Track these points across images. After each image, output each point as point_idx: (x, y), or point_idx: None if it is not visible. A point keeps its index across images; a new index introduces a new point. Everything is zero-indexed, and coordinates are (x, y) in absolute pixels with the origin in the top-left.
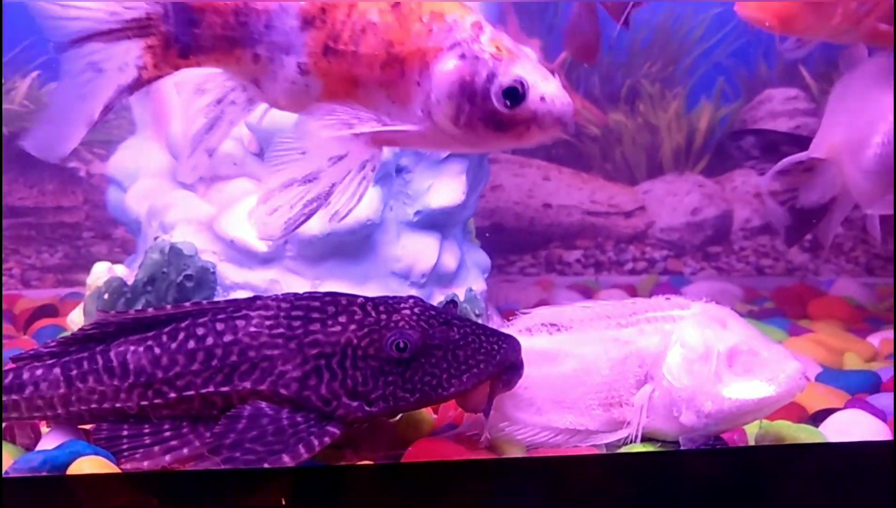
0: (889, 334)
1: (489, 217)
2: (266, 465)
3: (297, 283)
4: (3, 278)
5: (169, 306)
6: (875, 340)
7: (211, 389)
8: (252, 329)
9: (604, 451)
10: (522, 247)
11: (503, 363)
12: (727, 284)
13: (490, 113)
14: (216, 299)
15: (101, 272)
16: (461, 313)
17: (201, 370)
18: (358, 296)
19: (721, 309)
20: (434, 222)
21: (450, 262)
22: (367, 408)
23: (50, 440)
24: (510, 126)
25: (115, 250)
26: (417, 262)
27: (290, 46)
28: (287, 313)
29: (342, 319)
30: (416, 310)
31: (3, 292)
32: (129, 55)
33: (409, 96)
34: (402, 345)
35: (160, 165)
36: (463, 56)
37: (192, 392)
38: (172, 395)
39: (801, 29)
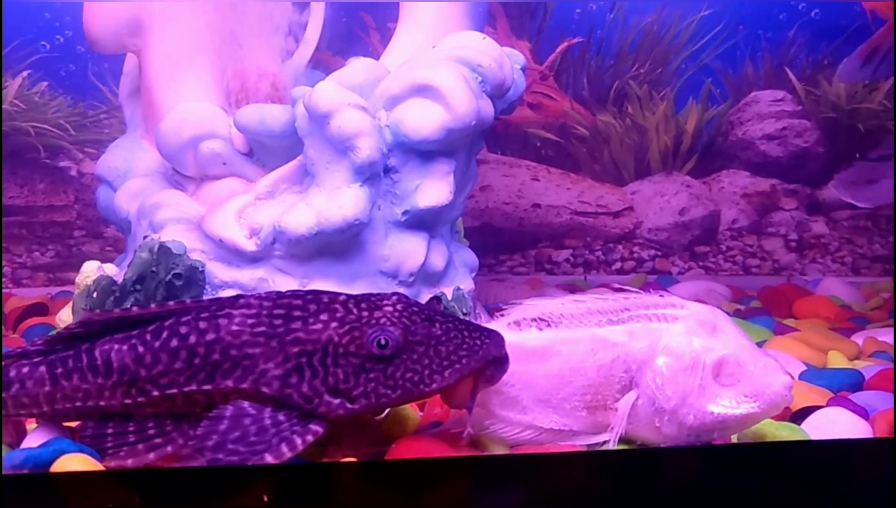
0: (874, 333)
1: (479, 217)
2: (239, 446)
3: (285, 282)
4: None
5: (153, 305)
6: (860, 339)
7: (194, 387)
8: (234, 328)
9: (584, 448)
10: (512, 246)
11: (486, 358)
12: (714, 283)
13: None
14: (204, 297)
15: (90, 271)
16: (447, 310)
17: (184, 368)
18: (340, 294)
19: (713, 312)
20: (422, 222)
21: (438, 261)
22: (348, 405)
23: (34, 438)
24: None
25: (107, 248)
26: (405, 261)
27: None
28: (269, 311)
29: (324, 316)
30: (398, 307)
31: None
32: None
33: None
34: (382, 342)
35: (150, 164)
36: None
37: (174, 391)
38: (156, 393)
39: None
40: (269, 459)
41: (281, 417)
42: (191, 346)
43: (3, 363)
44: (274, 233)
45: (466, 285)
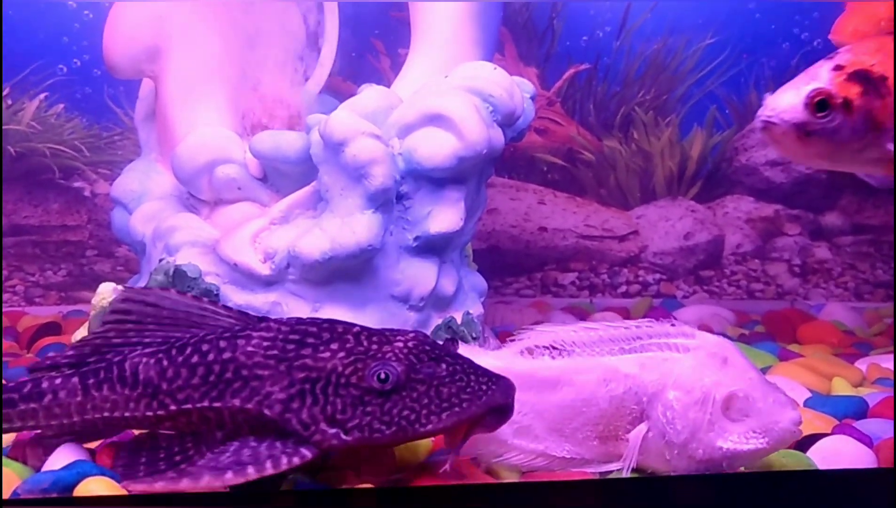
0: (877, 359)
1: (486, 240)
2: (230, 474)
3: (298, 306)
4: (8, 296)
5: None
6: (863, 365)
7: (206, 404)
8: (249, 349)
9: (596, 477)
10: (518, 269)
11: (487, 405)
12: (718, 307)
13: None
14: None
15: (106, 292)
16: (458, 333)
17: (200, 384)
18: (356, 325)
19: (723, 344)
20: (433, 248)
21: (448, 286)
22: (343, 436)
23: (56, 461)
24: None
25: (118, 268)
26: (416, 286)
27: None
28: (285, 336)
29: (334, 346)
30: (409, 344)
31: (8, 310)
32: None
33: None
34: (383, 376)
35: (165, 187)
36: None
37: (189, 406)
38: (173, 408)
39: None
40: (250, 470)
41: (278, 444)
42: (208, 363)
43: (33, 375)
44: (288, 257)
45: (476, 309)
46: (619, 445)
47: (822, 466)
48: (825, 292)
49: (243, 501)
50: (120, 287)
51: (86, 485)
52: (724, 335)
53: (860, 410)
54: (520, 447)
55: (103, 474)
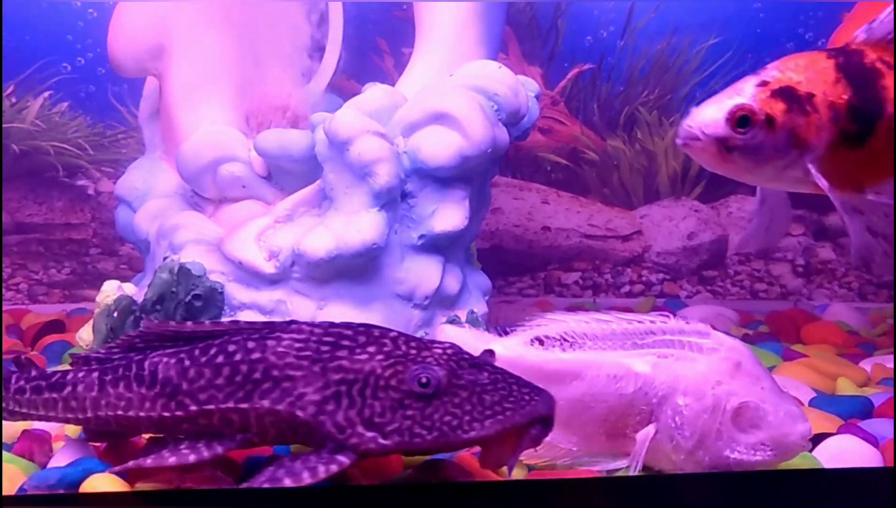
0: (881, 359)
1: (489, 239)
2: (266, 485)
3: (303, 304)
4: (11, 294)
5: (208, 323)
6: (868, 365)
7: (231, 405)
8: (280, 349)
9: (603, 474)
10: (521, 269)
11: (532, 415)
12: (722, 307)
13: None
14: (223, 319)
15: (110, 290)
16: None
17: (224, 384)
18: (393, 330)
19: (737, 350)
20: (437, 246)
21: (452, 285)
22: (381, 440)
23: (61, 458)
24: None
25: (122, 266)
26: (421, 285)
27: None
28: (318, 338)
29: (371, 349)
30: (448, 351)
31: (11, 307)
32: None
33: None
34: (424, 380)
35: (169, 185)
36: None
37: (212, 407)
38: (193, 408)
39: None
40: (286, 481)
41: (312, 457)
42: (235, 363)
43: (67, 366)
44: (293, 256)
45: (480, 308)
46: (626, 442)
47: (827, 465)
48: (829, 292)
49: (253, 498)
50: (124, 285)
51: (91, 482)
52: (728, 336)
53: (865, 410)
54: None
55: (108, 470)
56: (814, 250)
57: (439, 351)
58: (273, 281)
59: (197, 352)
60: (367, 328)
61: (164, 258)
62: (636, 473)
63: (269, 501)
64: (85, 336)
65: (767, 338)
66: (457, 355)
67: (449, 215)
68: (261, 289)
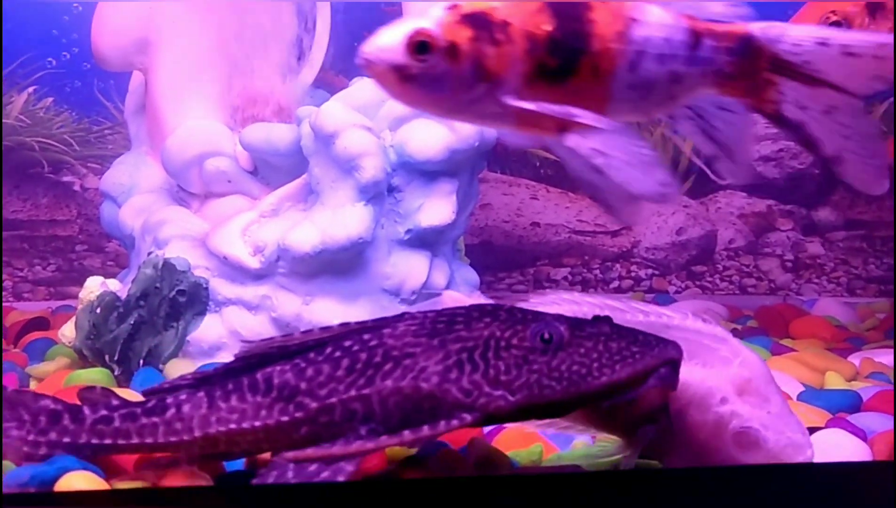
0: (870, 353)
1: (478, 235)
2: (384, 437)
3: (288, 299)
4: None
5: (317, 329)
6: (856, 359)
7: (353, 393)
8: (398, 332)
9: (593, 468)
10: (511, 264)
11: (661, 357)
12: (711, 303)
13: None
14: (209, 314)
15: (93, 286)
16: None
17: (344, 375)
18: (504, 304)
19: (751, 363)
20: (424, 241)
21: (440, 279)
22: (510, 397)
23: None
24: None
25: (108, 263)
26: (408, 279)
27: None
28: (433, 319)
29: (487, 319)
30: (563, 316)
31: None
32: None
33: None
34: (546, 335)
35: (155, 181)
36: None
37: (334, 400)
38: (314, 405)
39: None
40: (406, 435)
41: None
42: (353, 353)
43: (109, 391)
44: (278, 250)
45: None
46: (620, 430)
47: (816, 460)
48: (818, 287)
49: (230, 497)
50: (108, 281)
51: (67, 480)
52: (745, 346)
53: (854, 404)
54: None
55: (86, 469)
56: (803, 246)
57: (555, 315)
58: (258, 276)
59: (312, 354)
60: (479, 306)
61: (149, 254)
62: (632, 466)
63: (248, 500)
64: (67, 333)
65: (756, 333)
66: (573, 317)
67: (436, 210)
68: (246, 284)
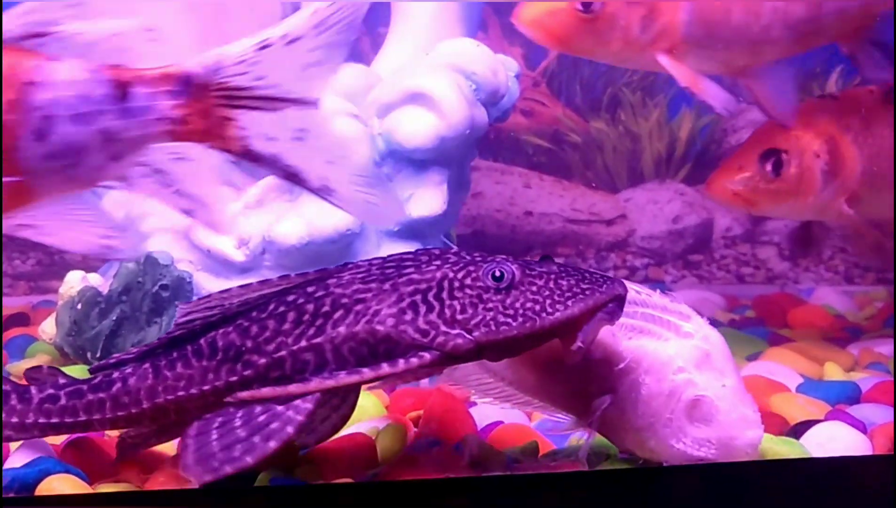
0: (869, 343)
1: (470, 224)
2: (342, 374)
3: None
4: None
5: (255, 282)
6: (855, 349)
7: (303, 344)
8: (344, 281)
9: (577, 462)
10: (504, 254)
11: (611, 293)
12: (708, 292)
13: None
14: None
15: (74, 281)
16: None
17: (292, 328)
18: (452, 249)
19: (710, 339)
20: (415, 232)
21: None
22: (466, 335)
23: (17, 459)
24: None
25: (90, 257)
26: None
27: None
28: (380, 266)
29: (437, 262)
30: (510, 258)
31: None
32: None
33: None
34: (498, 274)
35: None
36: None
37: (283, 353)
38: (263, 361)
39: (578, 49)
40: (365, 371)
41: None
42: (300, 306)
43: (100, 370)
44: (263, 243)
45: None
46: (584, 401)
47: (816, 453)
48: (815, 275)
49: (219, 499)
50: (89, 276)
51: (48, 483)
52: (714, 320)
53: (853, 395)
54: (499, 378)
55: (67, 471)
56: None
57: (503, 257)
58: (243, 269)
59: (254, 313)
60: (426, 250)
61: None
62: (592, 439)
63: (234, 503)
64: (48, 329)
65: (754, 323)
66: (521, 260)
67: (426, 200)
68: (231, 278)
